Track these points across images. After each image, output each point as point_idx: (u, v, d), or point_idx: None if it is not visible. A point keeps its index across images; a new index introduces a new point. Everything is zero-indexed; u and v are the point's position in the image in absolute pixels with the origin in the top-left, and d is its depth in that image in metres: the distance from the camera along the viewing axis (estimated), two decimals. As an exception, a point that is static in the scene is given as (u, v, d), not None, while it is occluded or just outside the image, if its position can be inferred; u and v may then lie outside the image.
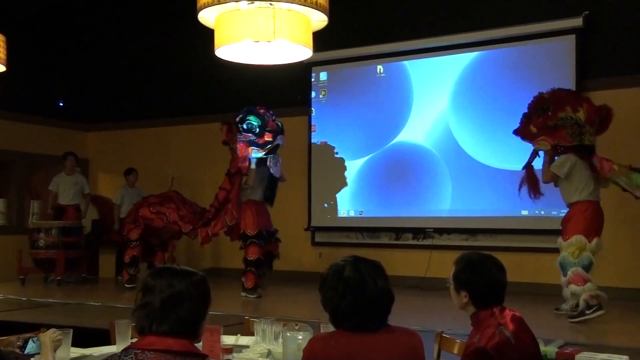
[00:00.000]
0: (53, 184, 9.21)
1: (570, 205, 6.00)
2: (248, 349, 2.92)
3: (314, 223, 9.22)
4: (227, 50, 3.93)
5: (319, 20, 3.83)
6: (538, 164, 6.42)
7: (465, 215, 8.27)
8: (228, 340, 3.07)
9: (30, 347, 2.62)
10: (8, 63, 4.87)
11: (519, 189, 6.42)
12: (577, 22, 7.65)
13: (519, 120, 6.33)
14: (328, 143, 9.21)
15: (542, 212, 7.66)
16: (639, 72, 7.51)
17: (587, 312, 5.69)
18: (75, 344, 2.81)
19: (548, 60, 7.91)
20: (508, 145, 7.20)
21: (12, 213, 10.13)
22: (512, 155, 7.39)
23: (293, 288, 8.12)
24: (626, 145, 7.34)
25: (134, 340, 2.19)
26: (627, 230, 7.16)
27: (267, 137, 7.29)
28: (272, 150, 7.39)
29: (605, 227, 6.05)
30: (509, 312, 2.54)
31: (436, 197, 8.50)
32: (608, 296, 6.00)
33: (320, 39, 4.19)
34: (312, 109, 9.31)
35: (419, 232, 8.54)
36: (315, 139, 9.27)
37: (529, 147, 6.37)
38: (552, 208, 7.33)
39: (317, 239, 9.26)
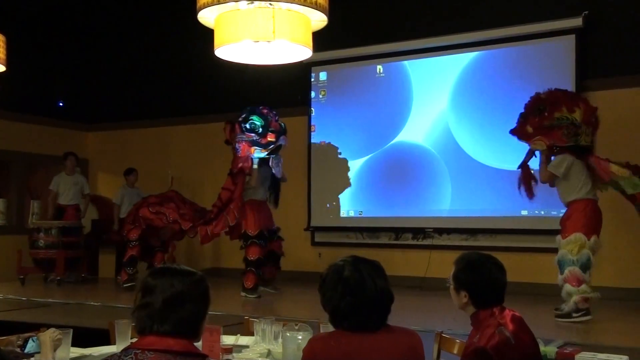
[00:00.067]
0: (53, 184, 9.21)
1: (568, 205, 6.01)
2: (248, 349, 2.92)
3: (314, 223, 9.22)
4: (226, 50, 3.93)
5: (319, 20, 3.83)
6: (535, 163, 6.43)
7: (465, 215, 8.27)
8: (228, 340, 3.07)
9: (30, 347, 2.62)
10: (8, 63, 4.87)
11: (518, 188, 6.45)
12: (577, 22, 7.65)
13: (516, 120, 6.35)
14: (327, 143, 9.21)
15: (542, 212, 7.67)
16: (638, 72, 7.51)
17: (575, 314, 5.74)
18: (75, 344, 2.81)
19: (548, 60, 7.91)
20: (508, 145, 7.20)
21: (12, 213, 10.14)
22: (511, 155, 7.38)
23: (293, 288, 8.12)
24: (626, 145, 7.34)
25: (134, 340, 2.19)
26: (626, 230, 7.15)
27: (270, 138, 7.29)
28: (275, 151, 7.38)
29: (604, 227, 6.05)
30: (509, 312, 2.54)
31: (436, 197, 8.50)
32: (607, 296, 6.00)
33: (320, 39, 4.19)
34: (312, 109, 9.31)
35: (418, 232, 8.54)
36: (315, 139, 9.27)
37: (528, 148, 6.37)
38: (551, 208, 7.33)
39: (316, 239, 9.26)
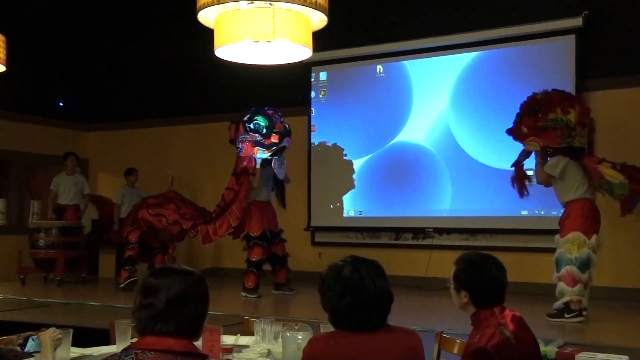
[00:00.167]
0: (53, 184, 9.21)
1: (566, 205, 6.02)
2: (248, 349, 2.92)
3: (314, 223, 9.22)
4: (226, 50, 3.93)
5: (319, 20, 3.83)
6: (530, 163, 6.44)
7: (465, 215, 8.28)
8: (228, 340, 3.06)
9: (30, 346, 2.62)
10: (8, 63, 4.87)
11: (512, 186, 6.47)
12: (577, 22, 7.65)
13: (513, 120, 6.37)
14: (327, 143, 9.21)
15: (542, 212, 7.67)
16: (638, 72, 7.51)
17: (567, 315, 5.75)
18: (75, 343, 2.81)
19: (548, 60, 7.91)
20: (508, 145, 7.18)
21: (12, 213, 10.14)
22: (512, 155, 7.34)
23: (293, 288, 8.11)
24: (626, 145, 7.34)
25: (134, 340, 2.19)
26: (626, 230, 7.16)
27: (274, 139, 7.27)
28: (278, 152, 7.36)
29: (604, 227, 6.05)
30: (509, 312, 2.54)
31: (436, 197, 8.50)
32: (607, 296, 5.99)
33: (320, 39, 4.19)
34: (312, 109, 9.31)
35: (418, 232, 8.54)
36: (315, 139, 9.27)
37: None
38: (551, 208, 7.32)
39: (316, 239, 9.26)
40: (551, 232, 6.38)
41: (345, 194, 9.08)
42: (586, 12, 7.63)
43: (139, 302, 1.91)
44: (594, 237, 5.81)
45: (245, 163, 7.34)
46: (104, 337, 3.21)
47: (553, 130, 5.93)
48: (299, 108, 9.26)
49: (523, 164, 6.44)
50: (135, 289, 2.03)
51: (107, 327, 3.18)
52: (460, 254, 2.66)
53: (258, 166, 7.34)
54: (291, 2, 3.57)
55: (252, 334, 3.13)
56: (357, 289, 2.16)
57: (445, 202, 8.44)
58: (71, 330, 2.71)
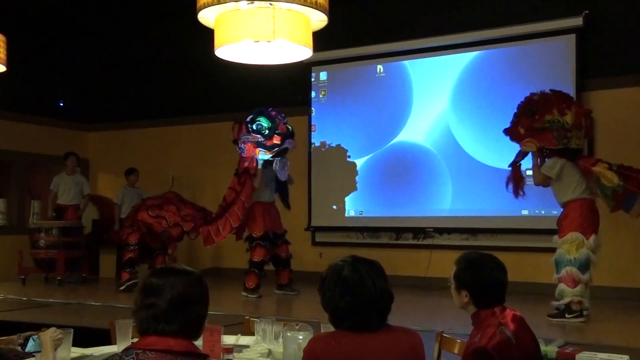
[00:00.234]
0: (53, 184, 9.21)
1: (564, 205, 6.03)
2: (248, 349, 2.92)
3: (314, 223, 9.22)
4: (227, 50, 3.93)
5: (319, 20, 3.83)
6: (528, 164, 6.44)
7: (465, 214, 8.28)
8: (228, 340, 3.07)
9: (31, 346, 2.62)
10: (8, 63, 4.87)
11: (506, 186, 6.47)
12: (577, 21, 7.65)
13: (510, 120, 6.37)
14: (327, 143, 9.22)
15: (543, 212, 7.67)
16: (639, 71, 7.50)
17: (568, 315, 5.75)
18: (76, 343, 2.81)
19: (548, 60, 7.91)
20: (508, 145, 7.17)
21: (12, 213, 10.14)
22: (512, 155, 7.36)
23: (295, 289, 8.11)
24: (626, 144, 7.35)
25: (135, 340, 2.19)
26: (626, 229, 7.16)
27: (276, 140, 7.26)
28: (280, 154, 7.35)
29: (604, 226, 6.05)
30: (510, 311, 2.54)
31: (436, 197, 8.50)
32: (608, 296, 5.97)
33: (320, 39, 4.19)
34: (312, 108, 9.31)
35: (419, 231, 8.54)
36: (315, 138, 9.27)
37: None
38: (552, 208, 7.31)
39: (317, 239, 9.26)
40: (552, 232, 6.37)
41: (346, 194, 9.08)
42: (586, 11, 7.63)
43: (141, 302, 1.91)
44: (593, 237, 5.81)
45: (246, 164, 7.34)
46: (105, 337, 3.21)
47: (549, 131, 5.94)
48: (299, 108, 9.26)
49: (520, 164, 6.44)
50: (136, 290, 2.02)
51: (107, 327, 3.19)
52: (460, 254, 2.66)
53: (259, 167, 7.33)
54: (291, 2, 3.57)
55: (252, 334, 3.13)
56: (357, 289, 2.16)
57: (446, 202, 8.44)
58: (72, 330, 2.71)
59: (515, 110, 6.25)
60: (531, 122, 6.03)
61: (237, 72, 7.45)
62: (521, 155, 6.37)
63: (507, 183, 6.49)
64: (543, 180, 6.15)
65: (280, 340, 2.82)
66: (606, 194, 5.97)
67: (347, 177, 9.07)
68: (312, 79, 9.35)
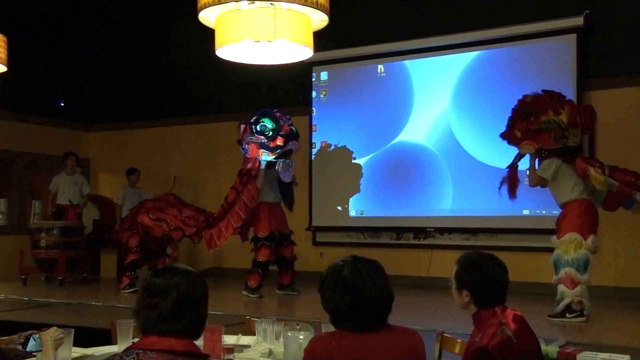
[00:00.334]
0: (52, 184, 9.22)
1: (563, 206, 6.03)
2: (249, 349, 2.92)
3: (315, 223, 9.22)
4: (227, 50, 3.93)
5: (320, 20, 3.83)
6: (523, 164, 6.43)
7: (466, 214, 8.27)
8: (229, 340, 3.07)
9: (32, 345, 2.62)
10: (9, 63, 4.87)
11: (500, 187, 6.46)
12: (578, 21, 7.64)
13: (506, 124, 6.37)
14: (328, 142, 9.21)
15: (544, 212, 7.66)
16: (639, 71, 7.50)
17: (568, 315, 5.74)
18: (77, 343, 2.81)
19: (549, 60, 7.90)
20: (509, 145, 7.19)
21: (13, 213, 10.14)
22: (513, 155, 7.37)
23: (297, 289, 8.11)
24: (627, 143, 7.35)
25: (136, 340, 2.18)
26: (626, 229, 7.15)
27: (279, 142, 7.24)
28: (283, 155, 7.33)
29: (605, 226, 6.04)
30: (511, 311, 2.54)
31: (437, 197, 8.50)
32: (608, 295, 5.95)
33: (321, 39, 4.19)
34: (313, 108, 9.31)
35: (420, 231, 8.54)
36: (316, 138, 9.27)
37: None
38: (553, 207, 7.28)
39: (318, 239, 9.26)
40: (553, 232, 6.37)
41: (348, 194, 9.08)
42: (587, 11, 7.63)
43: (144, 302, 1.90)
44: (591, 237, 5.80)
45: (249, 165, 7.33)
46: (106, 337, 3.21)
47: (546, 132, 5.94)
48: (300, 108, 9.26)
49: (517, 166, 6.43)
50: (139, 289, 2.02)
51: (108, 327, 3.19)
52: (461, 254, 2.66)
53: (262, 167, 7.32)
54: (292, 2, 3.57)
55: (253, 333, 3.13)
56: (357, 289, 2.16)
57: (447, 202, 8.44)
58: (72, 330, 2.71)
59: (510, 114, 6.26)
60: (527, 124, 6.03)
61: (237, 72, 7.45)
62: (519, 157, 6.37)
63: (501, 184, 6.48)
64: (538, 182, 6.17)
65: (281, 340, 2.83)
66: (597, 194, 5.97)
67: (347, 177, 9.06)
68: (313, 79, 9.35)
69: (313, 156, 9.25)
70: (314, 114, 9.29)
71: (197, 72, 9.85)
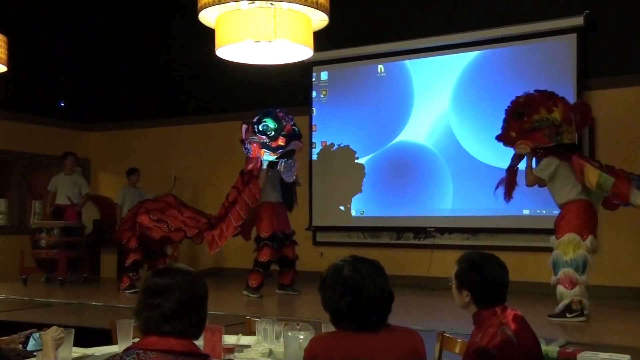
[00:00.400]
0: (51, 184, 9.22)
1: (561, 206, 6.03)
2: (249, 349, 2.92)
3: (315, 223, 9.22)
4: (227, 50, 3.93)
5: (320, 19, 3.83)
6: (524, 165, 6.43)
7: (466, 214, 8.27)
8: (230, 339, 3.07)
9: (32, 345, 2.62)
10: (9, 63, 4.87)
11: (496, 189, 6.46)
12: (578, 20, 7.64)
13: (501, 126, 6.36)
14: (328, 142, 9.21)
15: (544, 212, 7.66)
16: (639, 71, 7.50)
17: (568, 315, 5.74)
18: (77, 343, 2.81)
19: (549, 59, 7.90)
20: (505, 146, 7.19)
21: (13, 213, 10.15)
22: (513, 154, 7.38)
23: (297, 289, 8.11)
24: (627, 143, 7.34)
25: (136, 340, 2.18)
26: (626, 229, 7.15)
27: (281, 142, 7.23)
28: (285, 155, 7.32)
29: (605, 226, 6.05)
30: (511, 311, 2.54)
31: (437, 197, 8.50)
32: (609, 295, 5.94)
33: (321, 39, 4.19)
34: (313, 108, 9.31)
35: (420, 231, 8.54)
36: (316, 138, 9.27)
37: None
38: (553, 207, 7.26)
39: (318, 239, 9.26)
40: (553, 232, 6.37)
41: (349, 194, 9.07)
42: (587, 11, 7.63)
43: (146, 302, 1.90)
44: (590, 238, 5.80)
45: (251, 165, 7.33)
46: (106, 337, 3.21)
47: (540, 130, 5.94)
48: (300, 108, 9.25)
49: (517, 169, 6.43)
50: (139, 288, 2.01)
51: (108, 327, 3.18)
52: (461, 254, 2.66)
53: (264, 167, 7.32)
54: (292, 2, 3.57)
55: (253, 333, 3.13)
56: (357, 288, 2.16)
57: (447, 202, 8.44)
58: (73, 330, 2.71)
59: (504, 116, 6.26)
60: (521, 124, 6.04)
61: (238, 72, 7.46)
62: (517, 158, 6.36)
63: (497, 185, 6.48)
64: (534, 182, 6.16)
65: (281, 340, 2.82)
66: (595, 195, 5.95)
67: (348, 177, 9.06)
68: (313, 79, 9.35)
69: (313, 156, 9.25)
70: (314, 114, 9.29)
71: (197, 72, 9.85)
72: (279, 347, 2.83)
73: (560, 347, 3.85)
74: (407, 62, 8.83)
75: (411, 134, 8.72)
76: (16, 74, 5.76)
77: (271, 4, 3.61)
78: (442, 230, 8.41)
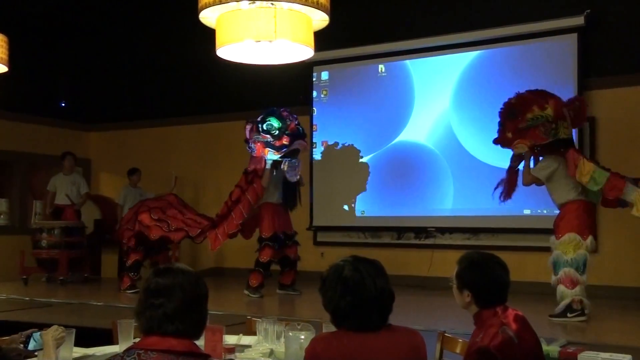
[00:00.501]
0: (50, 185, 9.22)
1: (561, 206, 6.03)
2: (250, 349, 2.92)
3: (316, 223, 9.22)
4: (228, 50, 3.93)
5: (320, 19, 3.83)
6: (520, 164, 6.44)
7: (467, 214, 8.27)
8: (230, 339, 3.07)
9: (33, 344, 2.62)
10: (10, 63, 4.87)
11: (495, 189, 6.46)
12: (579, 20, 7.64)
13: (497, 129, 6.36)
14: (329, 142, 9.21)
15: (545, 211, 7.65)
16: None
17: (569, 314, 5.74)
18: (78, 343, 2.81)
19: (550, 59, 7.90)
20: (502, 148, 7.19)
21: (14, 213, 10.15)
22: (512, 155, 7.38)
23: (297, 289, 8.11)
24: (626, 144, 7.34)
25: (137, 340, 2.18)
26: (627, 229, 7.14)
27: (285, 141, 7.23)
28: (289, 154, 7.31)
29: (605, 226, 6.05)
30: (512, 311, 2.54)
31: (438, 197, 8.50)
32: (609, 295, 5.93)
33: (322, 39, 4.19)
34: (314, 108, 9.31)
35: (421, 231, 8.54)
36: (317, 138, 9.27)
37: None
38: (554, 207, 7.27)
39: (319, 239, 9.26)
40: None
41: (348, 194, 9.08)
42: (588, 10, 7.62)
43: (147, 302, 1.89)
44: (590, 238, 5.81)
45: (256, 166, 7.33)
46: (107, 337, 3.21)
47: (535, 128, 5.95)
48: (301, 108, 9.24)
49: (518, 170, 6.43)
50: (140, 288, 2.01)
51: (109, 327, 3.18)
52: (462, 254, 2.66)
53: (268, 166, 7.31)
54: (293, 2, 3.57)
55: (254, 333, 3.13)
56: (357, 288, 2.16)
57: (448, 202, 8.44)
58: (74, 330, 2.71)
59: (498, 119, 6.27)
60: (515, 123, 6.05)
61: (238, 72, 7.45)
62: (516, 159, 6.36)
63: (497, 186, 6.48)
64: (532, 181, 6.17)
65: (282, 340, 2.82)
66: (593, 194, 5.96)
67: (349, 176, 9.06)
68: (314, 79, 9.35)
69: (314, 156, 9.25)
70: (314, 113, 9.29)
71: (198, 72, 9.85)
72: (279, 347, 2.83)
73: (561, 347, 3.85)
74: (407, 62, 8.83)
75: (412, 134, 8.72)
76: (17, 74, 5.75)
77: (272, 4, 3.61)
78: (443, 230, 8.41)
